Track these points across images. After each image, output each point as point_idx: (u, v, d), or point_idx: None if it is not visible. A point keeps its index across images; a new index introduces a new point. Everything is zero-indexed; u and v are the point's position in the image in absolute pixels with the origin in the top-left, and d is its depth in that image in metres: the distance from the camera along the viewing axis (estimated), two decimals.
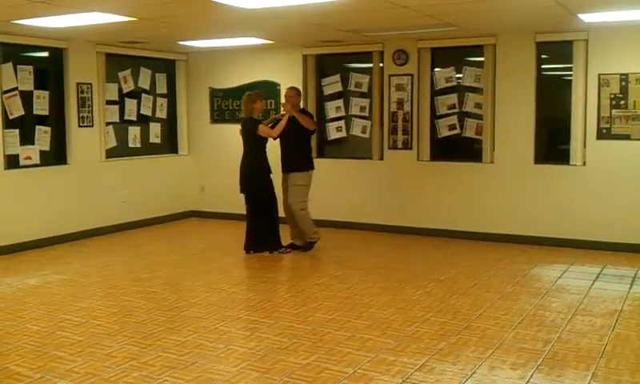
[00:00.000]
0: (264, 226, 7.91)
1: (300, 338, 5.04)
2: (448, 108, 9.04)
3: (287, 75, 9.98)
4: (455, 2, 6.30)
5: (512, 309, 5.77)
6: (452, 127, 9.04)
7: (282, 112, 8.14)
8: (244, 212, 9.60)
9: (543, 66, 8.57)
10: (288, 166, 7.99)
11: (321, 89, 9.91)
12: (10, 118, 8.27)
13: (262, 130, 7.75)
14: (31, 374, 4.39)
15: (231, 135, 10.40)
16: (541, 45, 8.38)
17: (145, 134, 10.24)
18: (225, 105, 10.56)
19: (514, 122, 8.53)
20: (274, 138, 7.85)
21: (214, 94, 10.65)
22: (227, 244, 8.28)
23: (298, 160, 7.97)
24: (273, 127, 7.92)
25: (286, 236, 8.13)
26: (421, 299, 6.07)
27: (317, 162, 9.83)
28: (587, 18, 7.12)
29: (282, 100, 8.28)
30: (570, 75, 8.25)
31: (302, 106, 8.44)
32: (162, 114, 10.53)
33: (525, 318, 5.50)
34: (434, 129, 9.14)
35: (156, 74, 10.36)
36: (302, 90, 9.82)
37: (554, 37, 8.25)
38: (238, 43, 9.31)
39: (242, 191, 7.90)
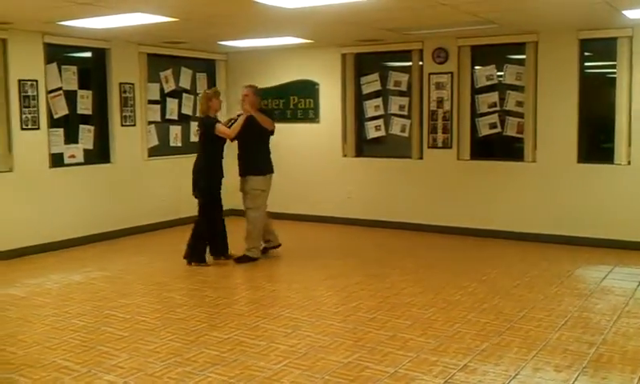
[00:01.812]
0: (210, 231, 7.45)
1: (341, 337, 5.05)
2: (489, 106, 8.95)
3: (326, 74, 10.02)
4: None
5: (556, 310, 5.69)
6: (493, 126, 8.95)
7: (238, 112, 7.72)
8: (281, 210, 9.70)
9: (586, 64, 8.43)
10: (246, 169, 7.51)
11: (359, 88, 9.90)
12: (55, 117, 8.45)
13: (219, 129, 7.28)
14: (78, 368, 4.48)
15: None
16: (584, 42, 8.24)
17: (186, 133, 10.35)
18: (264, 104, 10.58)
19: (556, 120, 8.41)
20: (231, 139, 7.36)
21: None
22: None
23: (257, 163, 7.50)
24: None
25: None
26: (462, 299, 6.03)
27: (355, 160, 9.95)
28: (632, 14, 6.97)
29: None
30: (614, 73, 8.09)
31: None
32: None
33: (569, 320, 5.42)
34: (474, 127, 9.06)
35: (197, 74, 10.46)
36: (341, 88, 9.90)
37: (597, 34, 8.10)
38: (277, 43, 9.36)
39: (193, 193, 7.45)
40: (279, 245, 7.88)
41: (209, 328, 5.28)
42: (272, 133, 7.60)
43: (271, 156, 7.64)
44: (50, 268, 7.41)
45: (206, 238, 7.43)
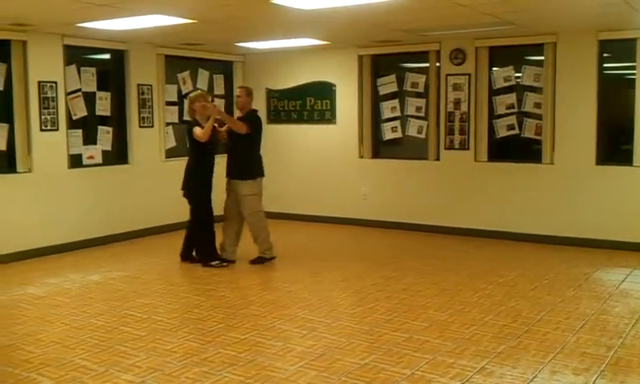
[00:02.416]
0: (193, 234, 7.51)
1: (357, 338, 5.04)
2: (506, 108, 8.90)
3: (343, 76, 10.03)
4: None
5: (573, 313, 5.65)
6: (510, 127, 8.90)
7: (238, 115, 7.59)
8: (297, 211, 9.70)
9: (605, 65, 8.36)
10: (232, 173, 7.42)
11: (376, 89, 9.88)
12: (74, 118, 8.52)
13: (194, 132, 7.18)
14: (96, 367, 4.51)
15: (287, 136, 10.53)
16: (603, 43, 8.17)
17: None
18: (281, 106, 10.64)
19: (574, 122, 8.35)
20: (204, 141, 7.11)
21: (271, 94, 10.74)
22: (282, 244, 8.33)
23: (242, 167, 7.37)
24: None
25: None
26: (479, 302, 6.00)
27: (372, 162, 9.93)
28: None
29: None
30: (634, 74, 8.02)
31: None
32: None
33: (587, 323, 5.38)
34: (491, 129, 9.01)
35: (214, 76, 10.50)
36: (357, 90, 9.89)
37: (616, 35, 8.02)
38: (294, 44, 9.37)
39: (182, 189, 7.43)
40: (233, 261, 7.55)
41: (225, 328, 5.30)
42: (250, 136, 7.30)
43: (262, 159, 7.58)
44: (68, 268, 7.47)
45: (211, 236, 7.43)
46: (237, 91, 7.71)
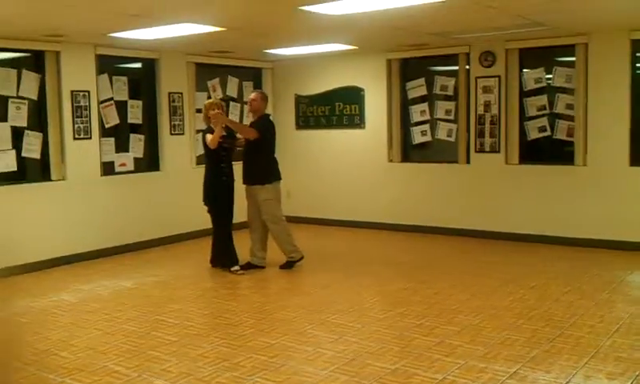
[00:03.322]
0: (218, 240, 7.57)
1: (388, 343, 5.03)
2: (538, 109, 8.81)
3: (371, 80, 10.02)
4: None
5: (607, 316, 5.56)
6: (542, 129, 8.80)
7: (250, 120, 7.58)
8: (327, 216, 9.71)
9: (638, 65, 8.22)
10: (248, 178, 7.41)
11: (405, 93, 9.86)
12: (106, 126, 8.64)
13: (206, 139, 7.26)
14: (129, 372, 4.56)
15: (316, 141, 10.56)
16: (636, 42, 8.05)
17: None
18: (310, 111, 10.67)
19: (607, 123, 8.22)
20: (212, 148, 7.13)
21: (299, 100, 10.78)
22: (312, 248, 8.35)
23: (258, 172, 7.35)
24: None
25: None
26: (511, 306, 5.94)
27: (401, 166, 9.90)
28: None
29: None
30: None
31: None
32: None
33: (621, 326, 5.29)
34: (522, 131, 8.92)
35: (243, 82, 10.57)
36: (386, 94, 9.87)
37: None
38: (323, 50, 9.39)
39: (203, 201, 7.49)
40: (263, 267, 7.58)
41: (256, 333, 5.33)
42: (259, 140, 7.27)
43: (277, 163, 7.54)
44: (100, 274, 7.57)
45: (229, 242, 7.47)
46: (252, 95, 7.68)
